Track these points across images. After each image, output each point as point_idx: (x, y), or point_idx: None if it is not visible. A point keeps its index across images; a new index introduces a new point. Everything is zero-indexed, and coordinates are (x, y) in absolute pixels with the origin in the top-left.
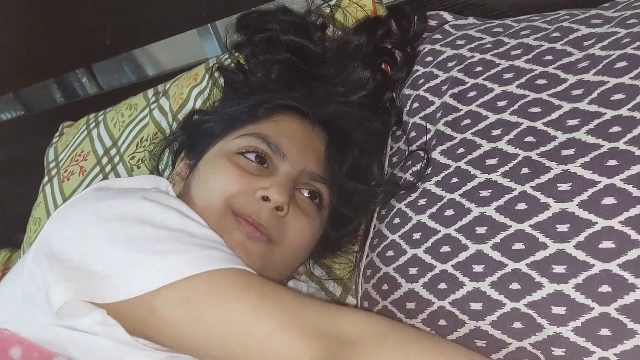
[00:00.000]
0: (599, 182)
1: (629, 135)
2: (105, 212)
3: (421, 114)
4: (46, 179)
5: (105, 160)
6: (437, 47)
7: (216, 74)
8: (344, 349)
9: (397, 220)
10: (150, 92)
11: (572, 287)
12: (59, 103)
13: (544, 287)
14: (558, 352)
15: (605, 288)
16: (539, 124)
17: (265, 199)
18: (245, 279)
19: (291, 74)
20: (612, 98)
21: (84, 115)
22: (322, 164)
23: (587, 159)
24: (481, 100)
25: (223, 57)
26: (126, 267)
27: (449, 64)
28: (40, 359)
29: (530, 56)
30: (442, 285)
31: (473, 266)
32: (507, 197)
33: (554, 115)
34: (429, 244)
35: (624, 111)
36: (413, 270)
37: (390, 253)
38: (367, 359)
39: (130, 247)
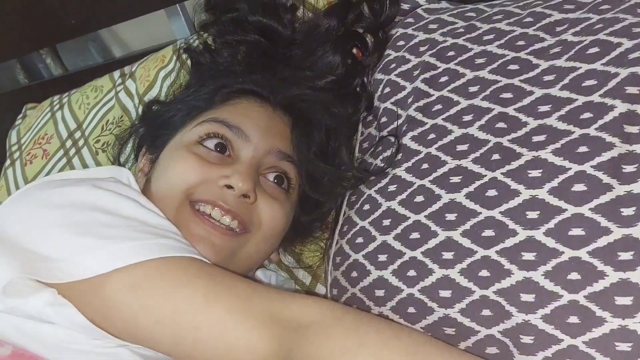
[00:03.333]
0: (570, 168)
1: (600, 122)
2: (58, 198)
3: (392, 99)
4: (8, 162)
5: (69, 143)
6: (410, 31)
7: (184, 56)
8: (297, 333)
9: (367, 207)
10: (116, 73)
11: (542, 275)
12: (22, 84)
13: (513, 274)
14: (527, 339)
15: (574, 275)
16: (510, 110)
17: (229, 187)
18: (197, 267)
19: (258, 55)
20: (583, 84)
21: (48, 97)
22: (288, 144)
23: (558, 145)
24: (453, 85)
25: (191, 39)
26: (77, 251)
27: (421, 49)
28: None
29: (502, 41)
30: (412, 273)
31: (443, 253)
32: (478, 183)
33: (526, 101)
34: (398, 230)
35: (595, 97)
36: (382, 257)
37: (359, 240)
38: (320, 341)
39: (82, 231)
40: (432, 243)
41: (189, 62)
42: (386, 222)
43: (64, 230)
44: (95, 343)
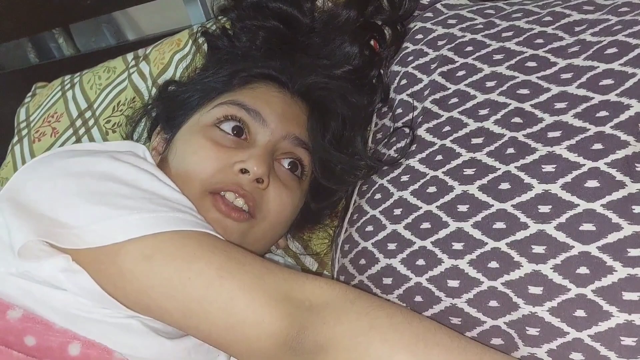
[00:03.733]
0: (584, 164)
1: (616, 120)
2: (77, 167)
3: (409, 91)
4: (16, 138)
5: (79, 122)
6: (428, 25)
7: (200, 40)
8: (309, 313)
9: (378, 196)
10: (129, 55)
11: (551, 268)
12: (32, 63)
13: (522, 266)
14: (532, 331)
15: (583, 270)
16: (526, 106)
17: (244, 171)
18: (212, 242)
19: (277, 42)
20: (600, 83)
21: (58, 77)
22: (305, 131)
23: (572, 141)
24: (470, 79)
25: (207, 24)
26: (94, 219)
27: (440, 43)
28: None
29: (521, 39)
30: (421, 262)
31: (453, 243)
32: (491, 176)
33: (542, 98)
34: (409, 220)
35: (612, 96)
36: (392, 246)
37: (369, 228)
38: (332, 323)
39: (100, 200)
40: (442, 233)
41: (205, 46)
42: (397, 212)
43: (83, 198)
44: (105, 312)
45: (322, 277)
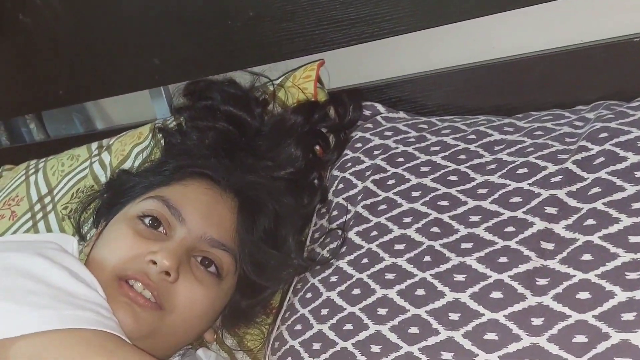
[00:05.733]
0: (490, 276)
1: (521, 236)
2: None
3: (344, 195)
4: None
5: (38, 207)
6: (367, 135)
7: (159, 135)
8: None
9: (309, 295)
10: (94, 145)
11: None
12: (3, 145)
13: None
14: None
15: None
16: (445, 217)
17: (153, 262)
18: (100, 342)
19: (224, 142)
20: (510, 200)
21: (27, 160)
22: (229, 232)
23: (482, 253)
24: (398, 188)
25: (169, 119)
26: None
27: (375, 152)
28: None
29: (446, 153)
30: None
31: (371, 346)
32: (409, 282)
33: (460, 210)
34: (334, 320)
35: (519, 213)
36: (317, 346)
37: (298, 327)
38: None
39: (5, 296)
40: (362, 335)
41: (163, 141)
42: (324, 312)
43: None
44: None
45: None
